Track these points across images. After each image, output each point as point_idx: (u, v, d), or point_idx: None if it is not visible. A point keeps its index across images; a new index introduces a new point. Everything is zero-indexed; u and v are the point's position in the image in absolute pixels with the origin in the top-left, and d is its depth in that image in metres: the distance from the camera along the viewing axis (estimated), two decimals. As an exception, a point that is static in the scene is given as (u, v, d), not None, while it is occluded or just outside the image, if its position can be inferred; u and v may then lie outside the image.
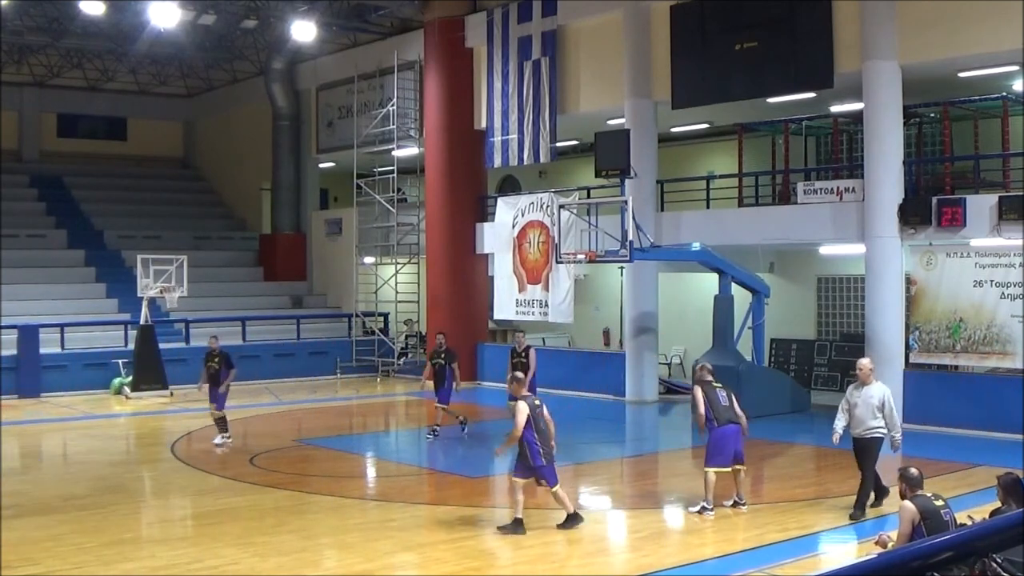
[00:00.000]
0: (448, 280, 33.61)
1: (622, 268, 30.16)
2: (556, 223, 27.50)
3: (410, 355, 37.18)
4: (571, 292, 29.61)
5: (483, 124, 32.68)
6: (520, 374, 16.68)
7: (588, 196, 30.33)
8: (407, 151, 36.20)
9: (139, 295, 31.56)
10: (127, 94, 46.76)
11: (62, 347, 32.37)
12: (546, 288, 30.10)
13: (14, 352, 31.11)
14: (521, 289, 31.01)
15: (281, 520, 15.74)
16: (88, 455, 22.74)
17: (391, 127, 35.67)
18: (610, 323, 36.46)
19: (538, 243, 30.38)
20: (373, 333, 36.82)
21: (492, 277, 33.02)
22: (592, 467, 20.44)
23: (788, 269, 32.00)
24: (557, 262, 28.00)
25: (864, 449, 15.29)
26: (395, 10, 35.35)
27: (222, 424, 22.57)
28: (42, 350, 31.49)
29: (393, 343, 37.41)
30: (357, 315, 37.42)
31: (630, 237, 23.94)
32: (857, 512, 15.04)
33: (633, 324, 29.23)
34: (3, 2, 31.34)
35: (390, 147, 35.96)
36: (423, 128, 34.90)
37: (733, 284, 26.49)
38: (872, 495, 15.33)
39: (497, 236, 32.21)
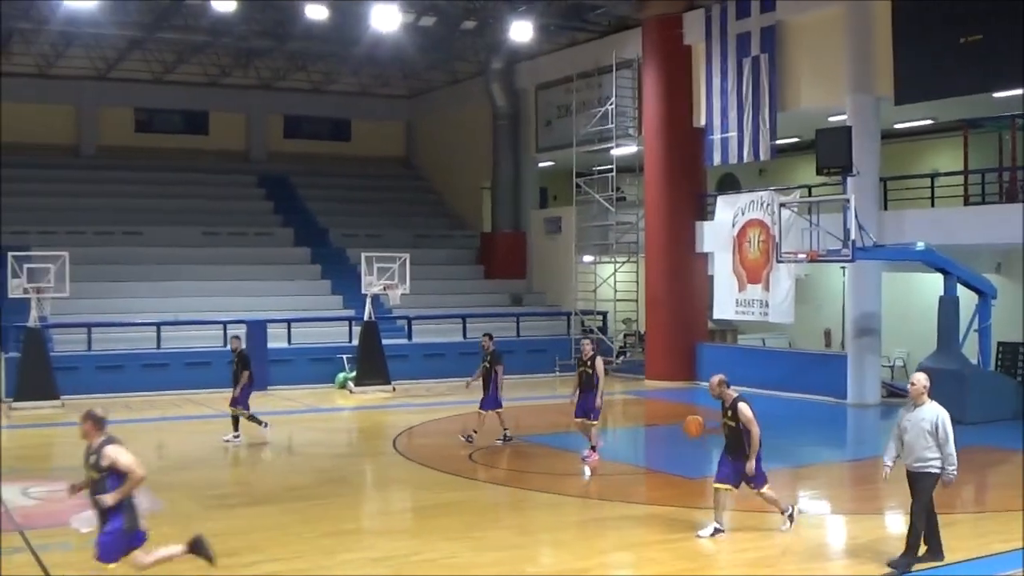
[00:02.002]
0: (667, 279, 33.43)
1: (844, 268, 29.57)
2: (776, 222, 27.10)
3: (629, 354, 37.11)
4: (792, 292, 29.15)
5: (702, 122, 32.40)
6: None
7: (809, 194, 29.78)
8: (626, 149, 36.11)
9: (363, 292, 32.25)
10: (350, 95, 47.84)
11: (289, 342, 33.32)
12: (766, 288, 29.70)
13: (244, 346, 32.09)
14: (741, 288, 30.67)
15: (498, 516, 15.89)
16: (311, 447, 23.36)
17: (609, 126, 35.62)
18: (831, 324, 35.78)
19: (758, 242, 29.99)
20: (592, 331, 36.85)
21: (711, 276, 32.72)
22: (811, 471, 20.09)
23: (1016, 270, 30.85)
24: (778, 261, 27.61)
25: (913, 485, 12.84)
26: (613, 9, 35.30)
27: (236, 423, 22.98)
28: (269, 345, 32.45)
29: (612, 342, 37.38)
30: (576, 313, 37.50)
31: (852, 236, 23.48)
32: (901, 562, 12.66)
33: (855, 325, 28.61)
34: (231, 7, 32.30)
35: (608, 146, 35.92)
36: (641, 126, 34.78)
37: (958, 285, 25.73)
38: (922, 546, 12.83)
39: (717, 235, 31.90)
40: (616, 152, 35.92)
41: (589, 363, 19.95)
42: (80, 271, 31.06)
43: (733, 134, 31.01)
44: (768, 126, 30.00)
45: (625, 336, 38.47)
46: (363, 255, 32.75)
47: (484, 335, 23.35)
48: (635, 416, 29.40)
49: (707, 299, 33.33)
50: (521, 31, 34.05)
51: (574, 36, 38.73)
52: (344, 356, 32.53)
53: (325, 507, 16.65)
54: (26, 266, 28.46)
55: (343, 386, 31.93)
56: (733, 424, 14.29)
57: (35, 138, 43.14)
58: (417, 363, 33.39)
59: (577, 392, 20.09)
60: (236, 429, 22.92)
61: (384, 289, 32.12)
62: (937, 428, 12.54)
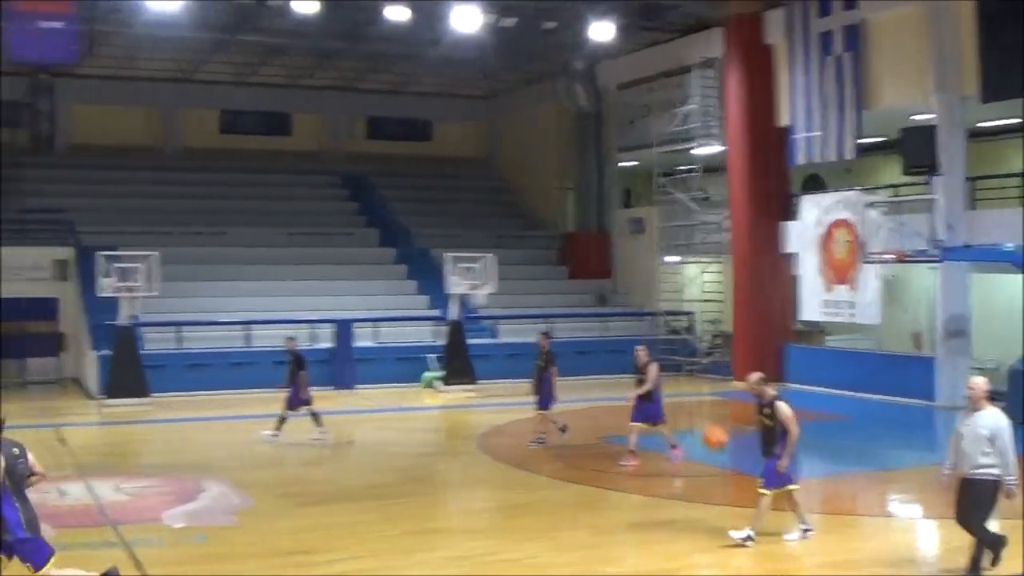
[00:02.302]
0: (753, 280, 33.23)
1: (934, 268, 29.24)
2: (863, 222, 26.90)
3: (715, 355, 36.94)
4: (879, 293, 28.90)
5: (785, 121, 32.19)
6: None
7: (895, 194, 29.51)
8: (708, 149, 35.91)
9: (448, 292, 32.42)
10: (431, 96, 48.00)
11: (375, 341, 33.54)
12: (853, 288, 29.47)
13: (330, 345, 32.46)
14: (827, 289, 30.46)
15: (578, 516, 15.91)
16: (394, 446, 23.51)
17: (691, 125, 35.49)
18: (919, 326, 35.38)
19: (844, 242, 29.76)
20: (677, 332, 36.72)
21: (797, 277, 32.51)
22: (900, 474, 19.90)
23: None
24: (864, 262, 27.41)
25: (966, 493, 12.07)
26: (693, 8, 35.16)
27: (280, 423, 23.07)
28: (356, 344, 32.74)
29: (698, 342, 37.25)
30: (661, 314, 37.40)
31: (939, 236, 23.23)
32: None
33: (944, 327, 28.28)
34: (313, 8, 32.59)
35: (691, 145, 35.78)
36: (724, 126, 34.64)
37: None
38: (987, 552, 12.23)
39: (802, 235, 31.70)
40: (698, 152, 35.76)
41: (643, 369, 19.97)
42: (169, 271, 31.47)
43: (817, 133, 30.77)
44: (852, 125, 29.74)
45: (712, 337, 38.31)
46: (447, 255, 32.96)
47: (541, 334, 23.46)
48: (721, 418, 29.23)
49: (793, 300, 33.12)
50: (602, 31, 34.03)
51: (655, 36, 38.55)
52: (429, 355, 32.71)
53: (406, 505, 16.78)
54: (116, 266, 28.90)
55: (429, 385, 32.11)
56: (770, 423, 14.07)
57: (122, 140, 43.83)
58: (501, 363, 33.40)
59: (635, 397, 20.08)
60: (279, 428, 23.06)
61: (471, 289, 32.26)
62: (996, 435, 11.84)
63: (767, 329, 32.72)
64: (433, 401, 30.38)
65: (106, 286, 28.80)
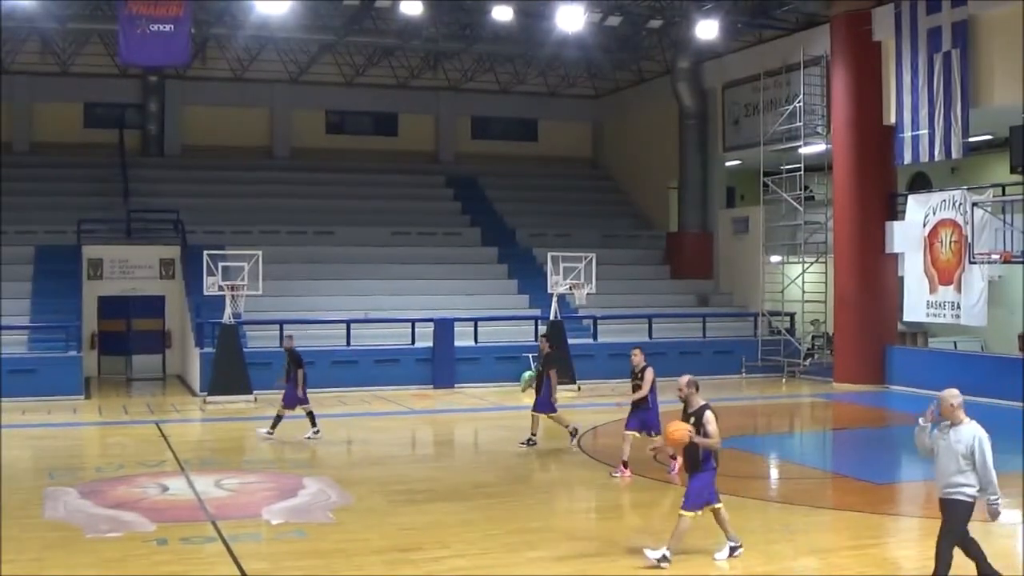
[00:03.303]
0: (856, 280, 32.81)
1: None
2: (969, 221, 26.46)
3: (816, 356, 36.57)
4: (985, 294, 28.41)
5: (892, 119, 31.73)
6: None
7: (1003, 193, 28.96)
8: (814, 148, 35.56)
9: (549, 292, 32.44)
10: (537, 96, 48.05)
11: (475, 340, 33.65)
12: (958, 289, 29.01)
13: (430, 344, 32.61)
14: (932, 290, 30.01)
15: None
16: (497, 444, 23.54)
17: (797, 124, 35.16)
18: (1026, 327, 34.77)
19: (950, 243, 29.32)
20: (779, 333, 36.41)
21: (902, 277, 32.08)
22: (1007, 479, 19.51)
23: None
24: (970, 262, 26.95)
25: (943, 512, 11.29)
26: (800, 6, 34.80)
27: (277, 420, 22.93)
28: (457, 343, 32.86)
29: (800, 343, 36.90)
30: (763, 314, 37.12)
31: (1049, 237, 22.79)
32: None
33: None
34: (419, 9, 32.82)
35: (796, 144, 35.45)
36: (830, 124, 34.23)
37: None
38: None
39: (907, 235, 31.27)
40: (804, 151, 35.42)
41: (640, 374, 18.75)
42: (274, 270, 31.85)
43: (924, 132, 30.29)
44: (960, 123, 29.23)
45: (813, 338, 37.92)
46: (549, 255, 32.99)
47: (541, 337, 23.47)
48: (822, 420, 28.99)
49: (897, 301, 32.67)
50: (707, 29, 33.85)
51: (761, 34, 38.34)
52: (530, 355, 32.73)
53: (510, 505, 16.81)
54: (221, 264, 29.25)
55: (530, 385, 32.11)
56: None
57: (231, 141, 44.48)
58: (602, 363, 33.34)
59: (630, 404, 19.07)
60: (273, 427, 22.95)
61: (570, 289, 32.26)
62: (974, 451, 11.02)
63: (870, 330, 32.30)
64: (532, 400, 30.37)
65: (210, 284, 29.19)
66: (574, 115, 49.92)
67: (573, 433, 21.98)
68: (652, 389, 18.68)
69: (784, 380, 34.73)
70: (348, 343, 32.60)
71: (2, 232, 35.46)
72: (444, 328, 32.71)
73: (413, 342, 32.70)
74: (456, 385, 32.07)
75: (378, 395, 30.32)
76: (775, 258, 37.48)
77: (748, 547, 13.72)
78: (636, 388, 18.78)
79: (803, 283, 36.54)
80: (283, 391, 23.17)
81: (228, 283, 28.99)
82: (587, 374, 32.22)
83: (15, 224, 36.47)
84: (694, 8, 34.19)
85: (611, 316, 35.75)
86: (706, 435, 13.00)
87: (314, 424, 23.05)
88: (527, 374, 32.19)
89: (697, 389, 13.48)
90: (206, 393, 29.45)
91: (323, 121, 47.03)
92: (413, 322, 33.01)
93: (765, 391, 32.64)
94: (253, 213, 39.67)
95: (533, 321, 34.44)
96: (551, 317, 32.07)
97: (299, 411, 23.03)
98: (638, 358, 18.87)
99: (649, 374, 18.62)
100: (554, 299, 32.19)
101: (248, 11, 33.81)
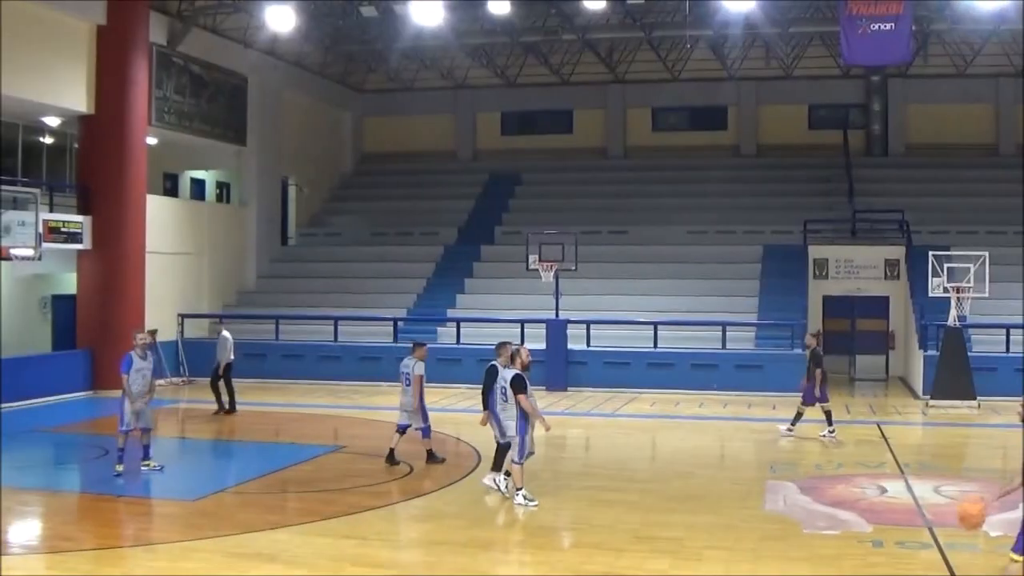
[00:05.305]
0: None
1: None
2: None
3: None
4: None
5: None
6: None
7: None
8: None
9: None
10: None
11: None
12: None
13: None
14: None
15: None
16: None
17: None
18: None
19: None
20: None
21: None
22: None
23: None
24: None
25: None
26: None
27: None
28: None
29: None
30: None
31: None
32: None
33: None
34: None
35: None
36: None
37: None
38: None
39: None
40: None
41: None
42: (999, 271, 30.70)
43: None
44: None
45: None
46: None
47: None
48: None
49: None
50: None
51: None
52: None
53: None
54: (946, 266, 28.75)
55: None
56: None
57: (954, 138, 43.48)
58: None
59: None
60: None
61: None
62: None
63: None
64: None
65: (935, 286, 28.75)
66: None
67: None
68: None
69: None
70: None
71: (731, 232, 37.00)
72: None
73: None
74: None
75: None
76: None
77: None
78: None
79: None
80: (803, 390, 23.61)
81: (953, 284, 28.47)
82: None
83: (744, 224, 37.97)
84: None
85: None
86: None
87: (830, 423, 23.28)
88: None
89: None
90: (928, 396, 29.04)
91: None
92: None
93: None
94: (978, 213, 38.44)
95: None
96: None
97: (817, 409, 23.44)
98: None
99: None
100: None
101: (968, 6, 32.98)
